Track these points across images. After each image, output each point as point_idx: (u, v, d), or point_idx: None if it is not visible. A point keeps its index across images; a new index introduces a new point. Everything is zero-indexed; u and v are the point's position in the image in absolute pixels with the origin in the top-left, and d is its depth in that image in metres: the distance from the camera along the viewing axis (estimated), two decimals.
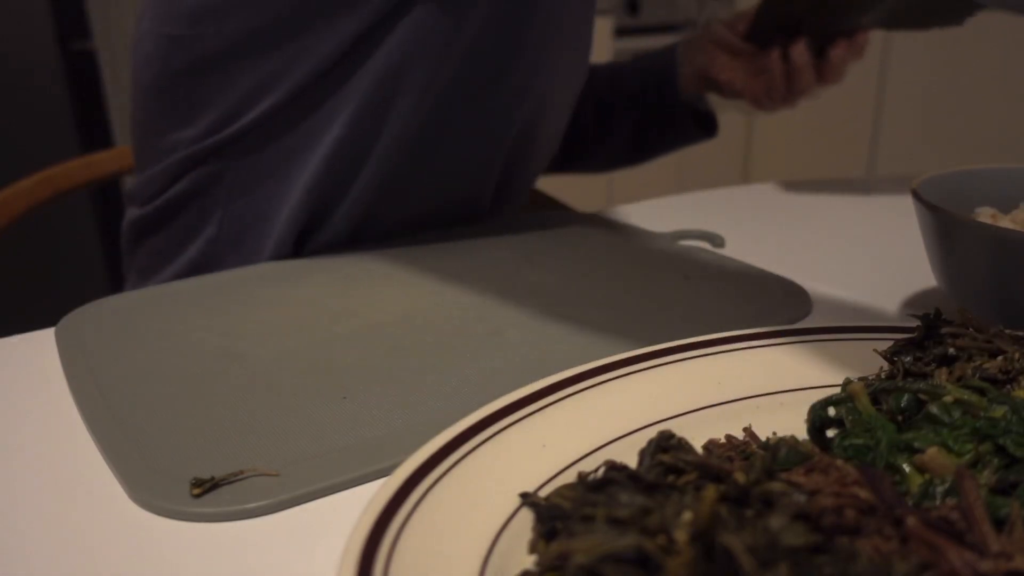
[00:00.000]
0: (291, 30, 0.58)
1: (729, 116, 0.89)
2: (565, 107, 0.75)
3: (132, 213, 0.71)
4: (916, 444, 0.29)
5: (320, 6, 0.57)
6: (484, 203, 0.72)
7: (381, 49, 0.59)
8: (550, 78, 0.68)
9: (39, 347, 0.49)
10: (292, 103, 0.61)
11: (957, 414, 0.30)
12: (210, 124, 0.63)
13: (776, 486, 0.25)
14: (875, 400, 0.32)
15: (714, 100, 0.87)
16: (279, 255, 0.64)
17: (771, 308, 0.51)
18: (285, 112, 0.61)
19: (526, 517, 0.29)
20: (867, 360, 0.38)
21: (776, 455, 0.29)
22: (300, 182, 0.63)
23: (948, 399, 0.30)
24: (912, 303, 0.54)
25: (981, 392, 0.31)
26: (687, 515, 0.23)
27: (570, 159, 0.92)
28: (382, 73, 0.60)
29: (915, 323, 0.37)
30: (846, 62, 0.77)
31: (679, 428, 0.34)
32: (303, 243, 0.66)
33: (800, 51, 0.76)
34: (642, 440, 0.31)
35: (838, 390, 0.33)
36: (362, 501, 0.34)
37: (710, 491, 0.23)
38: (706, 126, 0.87)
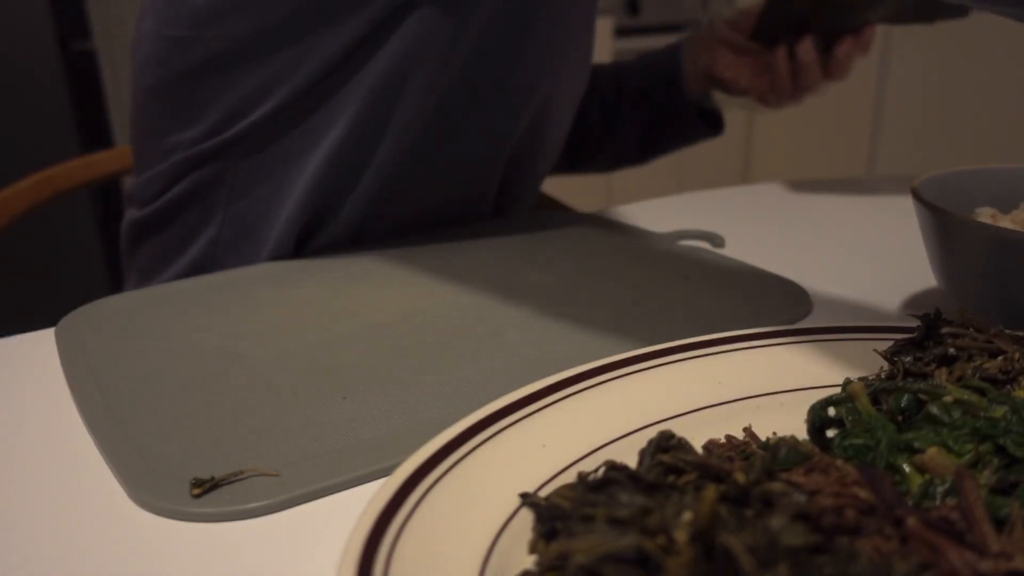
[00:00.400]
0: (293, 32, 0.58)
1: (729, 116, 0.89)
2: (569, 107, 0.75)
3: (132, 214, 0.70)
4: (916, 444, 0.29)
5: (322, 9, 0.57)
6: (487, 204, 0.72)
7: (382, 51, 0.59)
8: (554, 79, 0.68)
9: (39, 347, 0.49)
10: (293, 105, 0.61)
11: (957, 414, 0.30)
12: (211, 125, 0.63)
13: (776, 486, 0.25)
14: (875, 400, 0.32)
15: (719, 97, 0.87)
16: (280, 255, 0.64)
17: (771, 308, 0.51)
18: (286, 114, 0.61)
19: (526, 517, 0.29)
20: (867, 360, 0.38)
21: (776, 455, 0.29)
22: (301, 183, 0.63)
23: (948, 399, 0.30)
24: (912, 303, 0.54)
25: (981, 392, 0.31)
26: (687, 515, 0.23)
27: (577, 159, 0.92)
28: (383, 75, 0.60)
29: (915, 323, 0.37)
30: (852, 58, 0.77)
31: (679, 428, 0.34)
32: (305, 243, 0.66)
33: (807, 49, 0.76)
34: (642, 440, 0.31)
35: (838, 390, 0.33)
36: (362, 501, 0.34)
37: (710, 491, 0.23)
38: (712, 124, 0.87)
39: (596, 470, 0.29)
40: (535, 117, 0.69)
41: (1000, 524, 0.25)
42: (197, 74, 0.61)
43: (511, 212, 0.77)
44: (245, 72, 0.60)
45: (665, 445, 0.30)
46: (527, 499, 0.29)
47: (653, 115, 0.86)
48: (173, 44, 0.61)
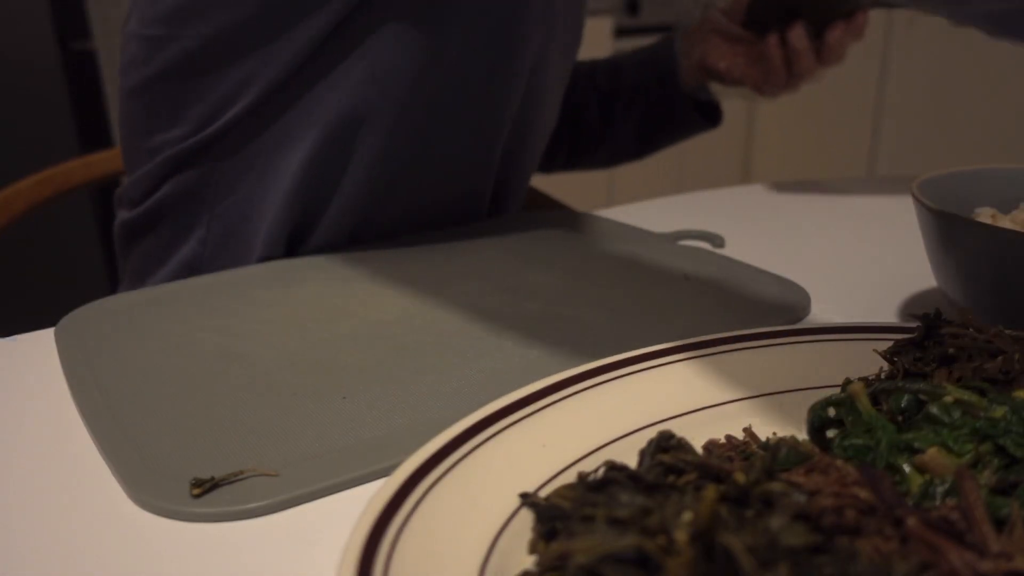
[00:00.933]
0: (265, 28, 0.59)
1: (729, 117, 0.89)
2: (557, 98, 0.75)
3: (122, 216, 0.71)
4: (916, 444, 0.29)
5: (290, 5, 0.58)
6: (484, 201, 0.72)
7: (357, 51, 0.59)
8: (544, 73, 0.68)
9: (39, 347, 0.49)
10: (269, 102, 0.61)
11: (957, 414, 0.30)
12: (193, 124, 0.63)
13: (776, 486, 0.25)
14: (875, 400, 0.32)
15: (716, 88, 0.87)
16: (270, 256, 0.64)
17: (771, 308, 0.51)
18: (263, 111, 0.62)
19: (526, 517, 0.29)
20: (867, 360, 0.38)
21: (776, 455, 0.29)
22: (282, 182, 0.63)
23: (948, 399, 0.30)
24: (912, 303, 0.54)
25: (981, 392, 0.31)
26: (687, 515, 0.23)
27: (576, 155, 0.92)
28: (360, 76, 0.60)
29: (915, 323, 0.37)
30: (845, 44, 0.77)
31: (679, 428, 0.34)
32: (299, 243, 0.66)
33: (798, 35, 0.75)
34: (642, 440, 0.31)
35: (838, 390, 0.33)
36: (362, 501, 0.34)
37: (710, 491, 0.23)
38: (709, 115, 0.87)
39: (596, 470, 0.29)
40: (525, 106, 0.69)
41: (1000, 524, 0.25)
42: (176, 73, 0.62)
43: (506, 208, 0.76)
44: (222, 69, 0.61)
45: (665, 445, 0.30)
46: (527, 499, 0.29)
47: (650, 110, 0.86)
48: (152, 44, 0.62)
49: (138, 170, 0.67)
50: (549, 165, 0.94)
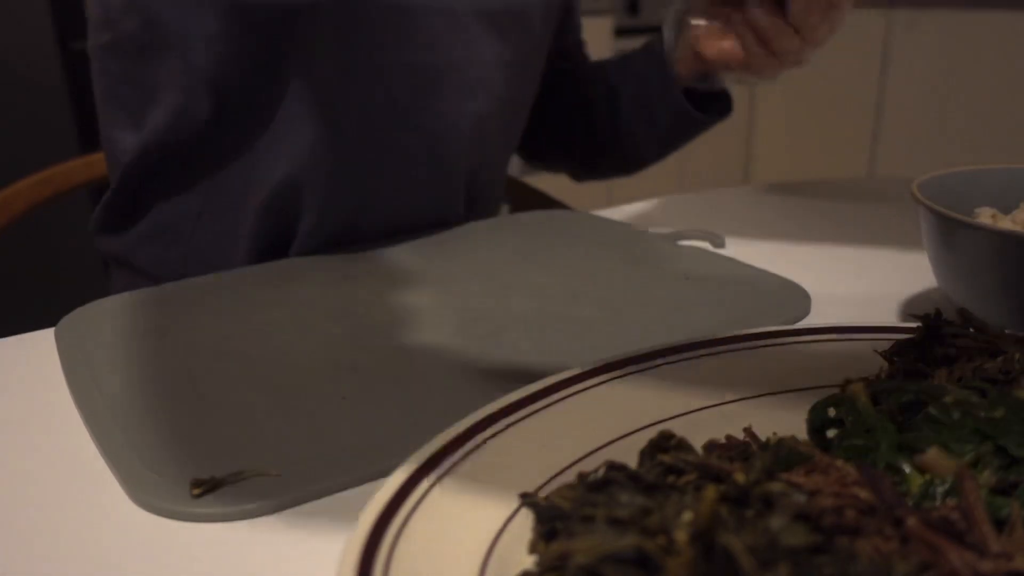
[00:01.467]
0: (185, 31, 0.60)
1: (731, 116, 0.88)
2: (519, 113, 0.76)
3: (101, 243, 0.71)
4: (916, 444, 0.29)
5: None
6: (457, 208, 0.72)
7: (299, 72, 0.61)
8: (489, 121, 0.70)
9: (39, 347, 0.49)
10: (226, 114, 0.62)
11: (957, 414, 0.29)
12: (147, 129, 0.64)
13: (776, 486, 0.25)
14: (875, 400, 0.32)
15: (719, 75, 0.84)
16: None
17: (771, 308, 0.51)
18: (220, 122, 0.63)
19: (526, 517, 0.29)
20: (867, 360, 0.38)
21: (776, 455, 0.29)
22: (254, 200, 0.64)
23: (948, 399, 0.30)
24: (912, 303, 0.54)
25: (981, 392, 0.31)
26: (687, 515, 0.23)
27: (594, 161, 0.90)
28: (285, 153, 0.62)
29: (915, 323, 0.37)
30: (812, 14, 0.67)
31: (679, 428, 0.34)
32: (284, 254, 0.66)
33: (755, 13, 0.69)
34: (642, 440, 0.31)
35: (838, 390, 0.33)
36: (362, 501, 0.34)
37: (710, 491, 0.23)
38: (717, 105, 0.83)
39: (596, 470, 0.29)
40: (478, 114, 0.69)
41: (1000, 524, 0.25)
42: (130, 76, 0.63)
43: (484, 208, 0.76)
44: (161, 65, 0.61)
45: (665, 445, 0.30)
46: (527, 499, 0.29)
47: (652, 110, 0.84)
48: (104, 50, 0.64)
49: (112, 181, 0.68)
50: (577, 173, 0.93)
